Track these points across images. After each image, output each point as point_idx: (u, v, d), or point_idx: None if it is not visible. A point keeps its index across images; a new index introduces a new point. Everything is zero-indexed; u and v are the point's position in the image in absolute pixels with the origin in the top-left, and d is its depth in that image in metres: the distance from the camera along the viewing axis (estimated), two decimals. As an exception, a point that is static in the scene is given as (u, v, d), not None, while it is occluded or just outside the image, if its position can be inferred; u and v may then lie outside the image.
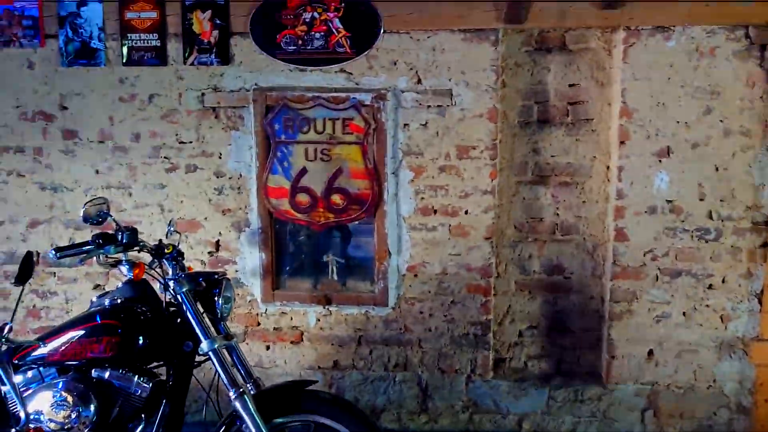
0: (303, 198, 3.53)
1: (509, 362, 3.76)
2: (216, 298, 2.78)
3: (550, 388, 3.64)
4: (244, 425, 2.64)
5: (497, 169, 3.47)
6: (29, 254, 2.29)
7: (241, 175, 3.61)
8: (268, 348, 3.76)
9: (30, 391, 2.69)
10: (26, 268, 2.27)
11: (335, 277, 3.67)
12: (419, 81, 3.43)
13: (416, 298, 3.61)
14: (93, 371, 2.69)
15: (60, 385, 2.65)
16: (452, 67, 3.40)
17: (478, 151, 3.44)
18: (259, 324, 3.74)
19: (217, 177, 3.62)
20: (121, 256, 2.68)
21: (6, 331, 2.17)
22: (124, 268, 2.69)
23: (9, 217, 3.80)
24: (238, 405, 2.61)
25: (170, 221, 3.08)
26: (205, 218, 3.67)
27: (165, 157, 3.64)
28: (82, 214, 2.60)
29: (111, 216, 2.69)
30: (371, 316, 3.65)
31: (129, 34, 3.52)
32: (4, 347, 2.15)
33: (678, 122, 3.31)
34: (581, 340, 3.69)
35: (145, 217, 3.70)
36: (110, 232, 2.68)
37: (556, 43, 3.46)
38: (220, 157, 3.61)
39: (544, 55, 3.48)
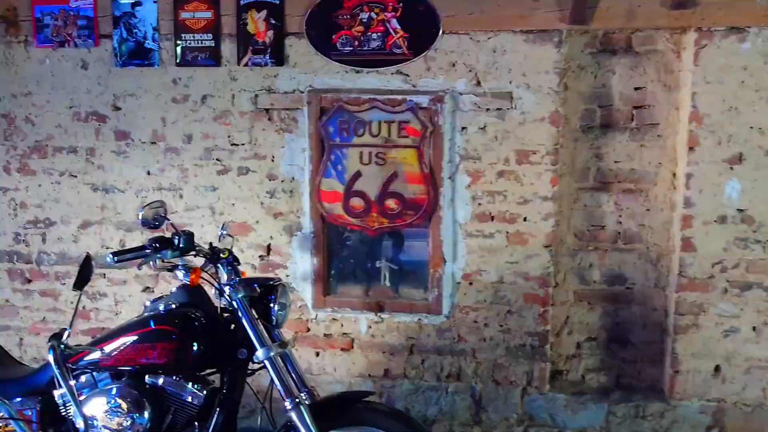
0: (357, 202, 3.45)
1: (566, 375, 3.63)
2: (272, 305, 2.71)
3: (609, 403, 3.50)
4: (299, 436, 2.56)
5: (558, 175, 3.34)
6: (88, 258, 2.24)
7: (293, 179, 3.54)
8: (317, 354, 3.68)
9: (83, 397, 2.64)
10: (85, 273, 2.22)
11: (387, 283, 3.57)
12: (478, 83, 3.33)
13: (471, 306, 3.50)
14: (146, 377, 2.63)
15: (114, 391, 2.60)
16: (513, 69, 3.29)
17: (539, 156, 3.33)
18: (308, 330, 3.67)
19: (270, 180, 3.56)
20: (177, 260, 2.62)
21: (65, 336, 2.12)
22: (180, 273, 2.64)
23: (61, 217, 3.79)
24: (293, 415, 2.54)
25: (223, 224, 3.02)
26: (257, 222, 3.61)
27: (217, 159, 3.59)
28: (140, 218, 2.56)
29: (168, 219, 2.64)
30: (424, 324, 3.55)
31: (183, 34, 3.48)
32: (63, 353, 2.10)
33: (751, 128, 3.16)
34: (642, 354, 3.55)
35: (196, 220, 3.65)
36: (166, 235, 2.64)
37: (621, 44, 3.33)
38: (272, 160, 3.55)
39: (608, 57, 3.35)
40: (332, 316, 3.62)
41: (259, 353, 2.59)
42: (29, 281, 3.89)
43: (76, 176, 3.73)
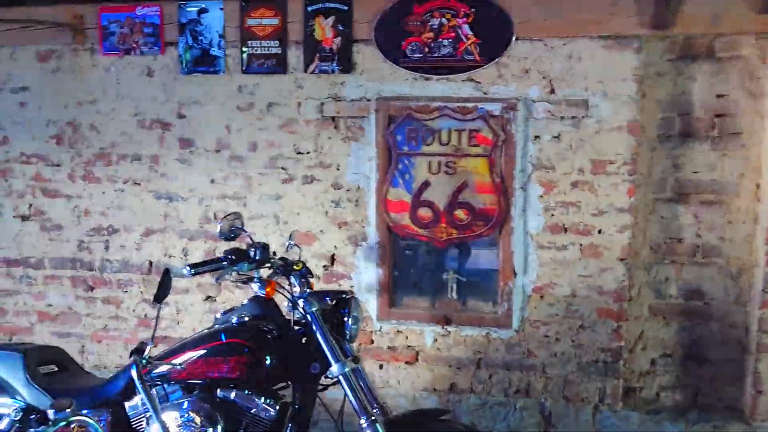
0: (425, 212, 3.37)
1: (640, 392, 3.50)
2: (346, 319, 2.64)
3: (686, 423, 3.36)
4: (377, 453, 2.49)
5: (635, 186, 3.22)
6: (167, 271, 2.20)
7: (359, 188, 3.48)
8: (381, 367, 3.61)
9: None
10: (164, 286, 2.18)
11: (454, 295, 3.48)
12: (552, 91, 3.22)
13: (542, 321, 3.39)
14: (218, 391, 2.58)
15: (186, 404, 2.55)
16: (589, 76, 3.18)
17: (616, 166, 3.21)
18: (372, 342, 3.59)
19: (335, 189, 3.50)
20: (253, 273, 2.57)
21: (147, 351, 2.08)
22: (255, 286, 2.58)
23: (124, 225, 3.78)
24: (369, 433, 2.46)
25: (290, 234, 2.97)
26: (321, 231, 3.55)
27: (282, 168, 3.54)
28: (218, 229, 2.51)
29: (245, 231, 2.58)
30: (492, 338, 3.45)
31: (249, 41, 3.44)
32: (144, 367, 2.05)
33: (844, 137, 3.00)
34: (721, 372, 3.40)
35: (260, 229, 3.60)
36: (242, 247, 2.59)
37: (702, 50, 3.20)
38: (338, 169, 3.49)
39: (688, 64, 3.23)
40: (397, 329, 3.54)
41: (334, 368, 2.52)
42: (92, 288, 3.89)
43: (139, 184, 3.72)
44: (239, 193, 3.61)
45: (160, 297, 2.14)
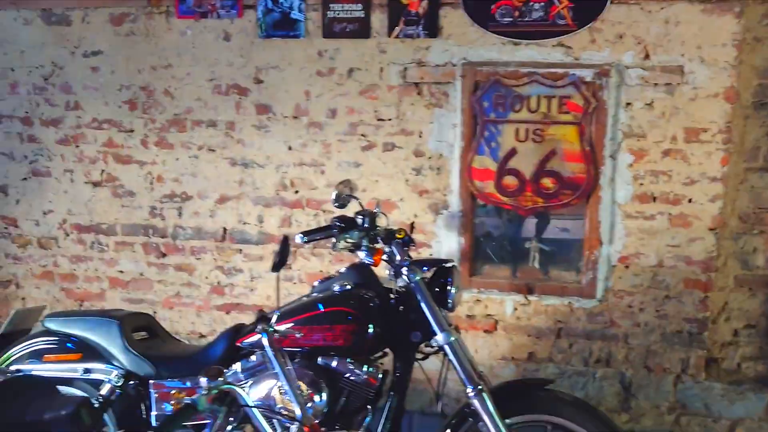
0: (510, 181, 3.32)
1: (721, 363, 3.48)
2: (449, 288, 2.62)
3: (770, 394, 3.34)
4: (480, 423, 2.49)
5: (729, 155, 3.15)
6: (286, 239, 2.17)
7: (441, 155, 3.43)
8: (458, 336, 3.58)
9: (255, 377, 2.60)
10: (283, 253, 2.15)
11: (537, 265, 3.45)
12: (647, 56, 3.15)
13: (626, 291, 3.36)
14: (319, 359, 2.57)
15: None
16: (687, 41, 3.09)
17: (710, 134, 3.14)
18: (450, 310, 3.56)
19: (416, 156, 3.45)
20: (362, 240, 2.54)
21: (274, 319, 2.05)
22: (362, 254, 2.57)
23: (198, 192, 3.75)
24: (476, 402, 2.46)
25: (377, 203, 2.93)
26: (401, 199, 3.51)
27: (362, 135, 3.49)
28: (333, 196, 2.48)
29: (357, 198, 2.55)
30: (575, 307, 3.42)
31: (331, 5, 3.37)
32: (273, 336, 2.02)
33: None
34: (806, 344, 3.37)
35: (338, 196, 3.56)
36: (348, 215, 2.56)
37: (803, 15, 3.10)
38: (420, 136, 3.43)
39: (787, 29, 3.13)
40: (476, 297, 3.51)
41: (439, 338, 2.52)
42: (164, 255, 3.88)
43: (214, 150, 3.68)
44: (317, 160, 3.56)
45: (278, 265, 2.12)
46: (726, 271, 3.37)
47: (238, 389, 1.79)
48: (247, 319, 3.74)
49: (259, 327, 1.99)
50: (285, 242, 2.13)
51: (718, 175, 3.17)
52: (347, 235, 2.49)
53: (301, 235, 2.43)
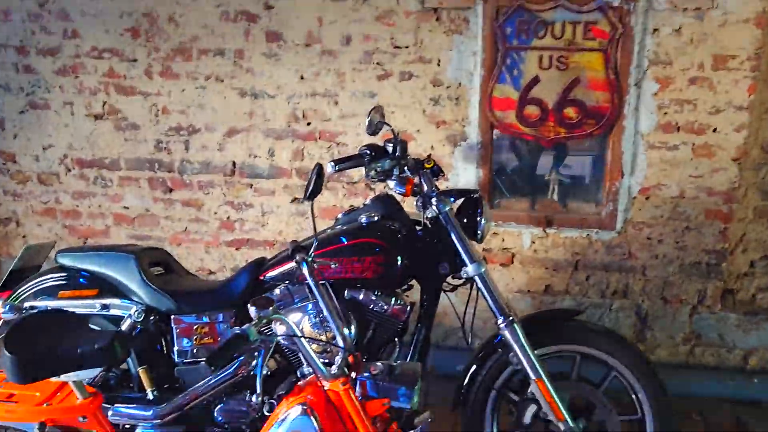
0: (532, 110, 3.24)
1: (737, 294, 3.48)
2: (478, 219, 2.57)
3: (785, 323, 3.37)
4: (510, 354, 2.47)
5: (756, 83, 3.08)
6: (320, 167, 2.07)
7: (460, 84, 3.32)
8: (474, 269, 3.55)
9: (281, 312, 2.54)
10: (316, 183, 2.06)
11: (555, 197, 3.40)
12: (677, -21, 3.03)
13: (646, 222, 3.33)
14: (345, 292, 2.51)
15: (311, 306, 2.49)
16: (718, -37, 2.98)
17: (738, 61, 3.06)
18: (467, 244, 3.52)
19: (434, 86, 3.34)
20: (393, 169, 2.46)
21: (312, 249, 1.97)
22: (392, 183, 2.48)
23: (205, 124, 3.63)
24: (507, 334, 2.43)
25: (396, 133, 2.82)
26: (418, 130, 3.41)
27: (377, 63, 3.36)
28: (366, 122, 2.38)
29: (389, 125, 2.45)
30: (593, 240, 3.39)
31: (348, -76, 3.18)
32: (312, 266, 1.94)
33: None
34: (822, 274, 3.38)
35: (351, 128, 3.47)
36: (378, 144, 2.47)
37: (838, -65, 2.98)
38: (438, 64, 3.32)
39: (821, -49, 3.02)
40: (494, 230, 3.46)
41: (470, 269, 2.47)
42: (171, 190, 3.78)
43: (222, 80, 3.54)
44: (330, 90, 3.44)
45: (311, 194, 2.03)
46: (746, 202, 3.35)
47: (288, 321, 1.73)
48: (258, 255, 3.68)
49: (298, 257, 1.91)
50: (319, 170, 2.03)
51: (744, 104, 3.11)
52: (378, 164, 2.41)
53: (332, 164, 2.34)
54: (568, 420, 2.41)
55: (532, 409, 2.49)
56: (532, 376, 2.41)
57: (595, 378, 2.56)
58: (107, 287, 2.69)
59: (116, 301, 2.68)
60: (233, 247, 3.79)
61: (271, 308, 1.66)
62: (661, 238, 3.34)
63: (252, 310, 1.66)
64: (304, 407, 1.76)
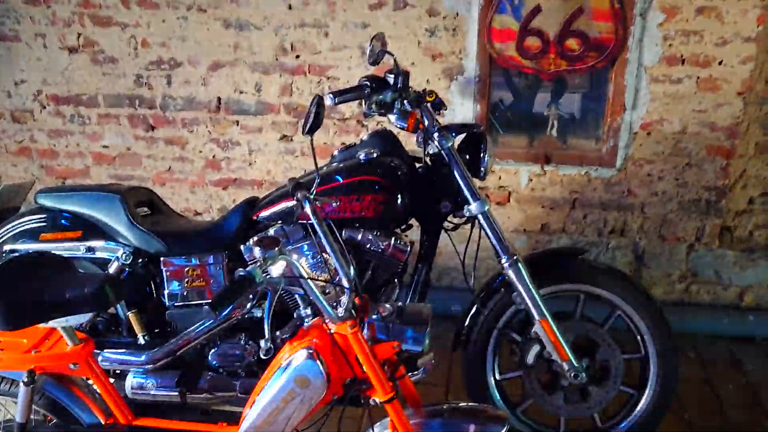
0: (533, 42, 3.10)
1: (734, 231, 3.45)
2: (482, 155, 2.47)
3: (782, 260, 3.35)
4: (514, 294, 2.40)
5: (766, 12, 2.96)
6: (320, 99, 1.93)
7: (458, 15, 3.16)
8: (469, 208, 3.46)
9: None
10: (316, 116, 1.93)
11: (555, 133, 3.29)
12: None
13: (646, 159, 3.25)
14: (343, 232, 2.41)
15: (307, 246, 2.40)
16: None
17: (748, -11, 2.93)
18: (462, 182, 3.42)
19: (430, 16, 3.18)
20: (395, 102, 2.33)
21: (315, 185, 1.84)
22: (393, 117, 2.36)
23: (188, 58, 3.44)
24: (511, 273, 2.36)
25: (398, 63, 2.66)
26: (412, 63, 3.26)
27: (370, -9, 3.19)
28: (368, 51, 2.23)
29: (392, 54, 2.31)
30: (592, 177, 3.31)
31: None
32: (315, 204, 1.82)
33: None
34: (820, 210, 3.34)
35: (343, 61, 3.31)
36: (379, 75, 2.33)
37: None
38: (434, -7, 3.15)
39: None
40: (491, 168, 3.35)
41: (473, 207, 2.38)
42: (153, 128, 3.61)
43: (205, 11, 3.34)
44: (320, 20, 3.26)
45: (312, 128, 1.90)
46: (747, 137, 3.28)
47: (294, 261, 1.63)
48: (245, 195, 3.56)
49: (299, 195, 1.80)
50: (319, 102, 1.90)
51: (752, 35, 3.00)
52: (380, 96, 2.27)
53: (331, 96, 2.20)
54: (572, 360, 2.37)
55: (535, 349, 2.44)
56: (536, 316, 2.35)
57: (597, 317, 2.51)
58: (91, 229, 2.57)
59: (102, 243, 2.56)
60: (220, 186, 3.66)
61: (277, 248, 1.55)
62: (661, 175, 3.27)
63: (256, 250, 1.56)
64: (310, 351, 1.68)
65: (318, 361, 1.67)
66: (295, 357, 1.70)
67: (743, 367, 3.17)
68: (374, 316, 1.72)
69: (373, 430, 1.80)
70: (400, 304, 1.75)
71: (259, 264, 1.54)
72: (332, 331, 1.72)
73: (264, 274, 1.52)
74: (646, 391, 2.49)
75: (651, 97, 3.14)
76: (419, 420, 1.78)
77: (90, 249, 2.56)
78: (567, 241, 3.45)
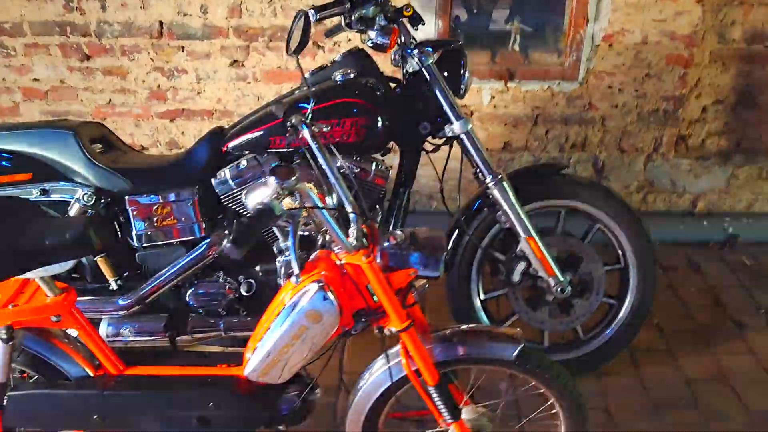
0: (495, -48, 2.98)
1: (688, 139, 3.52)
2: (462, 72, 2.40)
3: (733, 166, 3.46)
4: (498, 213, 2.39)
5: None
6: (305, 15, 1.78)
7: None
8: (431, 129, 3.39)
9: (247, 185, 2.32)
10: (303, 32, 1.79)
11: (517, 48, 3.23)
12: None
13: (607, 71, 3.25)
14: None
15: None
16: None
17: None
18: (423, 103, 3.33)
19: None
20: (378, 17, 2.20)
21: (310, 108, 1.71)
22: (373, 33, 2.24)
23: (123, -23, 3.15)
24: (495, 192, 2.34)
25: None
26: (369, -22, 3.08)
27: None
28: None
29: (372, -38, 2.15)
30: (555, 92, 3.29)
31: None
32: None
33: None
34: (768, 116, 3.45)
35: (294, -22, 3.10)
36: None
37: None
38: None
39: None
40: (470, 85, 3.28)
41: (456, 126, 2.33)
42: (88, 58, 3.33)
43: (139, -77, 3.04)
44: (268, -68, 3.03)
45: (298, 48, 1.76)
46: (703, 46, 3.30)
47: (310, 190, 1.52)
48: (195, 126, 3.39)
49: (294, 119, 1.67)
50: (306, 18, 1.76)
51: (712, -61, 2.98)
52: (362, 10, 2.14)
53: (313, 11, 2.04)
54: (558, 275, 2.39)
55: (521, 266, 2.45)
56: (522, 234, 2.35)
57: (575, 232, 2.53)
58: (42, 170, 2.37)
59: (58, 184, 2.37)
60: (166, 118, 3.44)
61: (294, 178, 1.45)
62: (621, 87, 3.28)
63: (272, 180, 1.44)
64: (321, 284, 1.61)
65: (330, 294, 1.60)
66: (307, 290, 1.62)
67: (700, 269, 3.29)
68: (386, 244, 1.65)
69: (387, 357, 1.76)
70: (411, 230, 1.68)
71: (276, 195, 1.44)
72: (343, 262, 1.65)
73: (281, 206, 1.42)
74: (626, 301, 2.55)
75: (613, 7, 3.10)
76: (431, 346, 1.75)
77: (44, 192, 2.37)
78: (529, 158, 3.45)
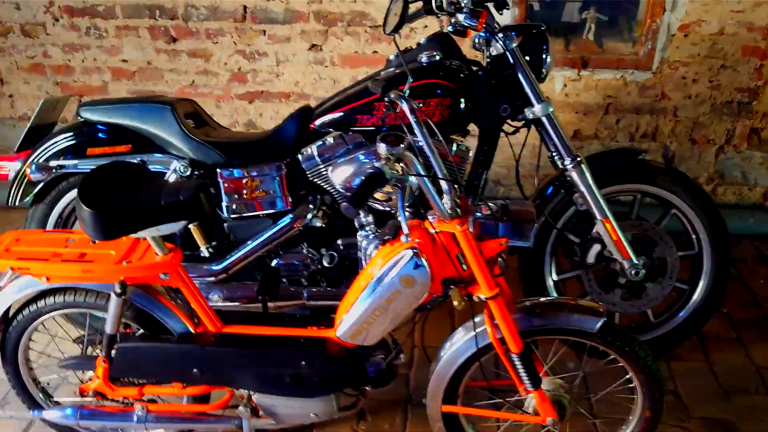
0: (574, -59, 3.02)
1: (761, 133, 3.50)
2: (544, 56, 2.44)
3: (808, 158, 3.43)
4: (575, 195, 2.44)
5: None
6: (404, -1, 1.86)
7: None
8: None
9: (332, 161, 2.42)
10: (404, 11, 1.86)
11: (591, 37, 3.26)
12: None
13: (682, 61, 3.25)
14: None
15: (364, 156, 2.37)
16: None
17: None
18: (495, 90, 3.39)
19: None
20: (466, 1, 2.27)
21: (408, 85, 1.78)
22: (462, 17, 2.30)
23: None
24: (574, 174, 2.38)
25: None
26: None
27: None
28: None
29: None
30: (628, 81, 3.31)
31: None
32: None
33: None
34: None
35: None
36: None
37: None
38: None
39: None
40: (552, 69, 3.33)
41: (537, 109, 2.37)
42: (175, 40, 3.48)
43: None
44: None
45: (397, 26, 1.85)
46: (781, 38, 3.28)
47: (414, 159, 1.61)
48: (272, 108, 3.50)
49: (393, 94, 1.76)
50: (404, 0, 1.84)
51: (796, -69, 2.96)
52: (452, -9, 2.22)
53: (403, -7, 2.11)
54: (633, 257, 2.42)
55: (596, 248, 2.49)
56: (598, 216, 2.38)
57: (651, 217, 2.57)
58: (141, 142, 2.52)
59: (155, 156, 2.51)
60: (245, 100, 3.57)
61: (402, 145, 1.54)
62: (695, 78, 3.28)
63: (382, 147, 1.54)
64: (415, 251, 1.69)
65: (423, 260, 1.69)
66: (400, 258, 1.71)
67: (771, 261, 3.29)
68: (478, 214, 1.73)
69: (474, 324, 1.84)
70: (502, 201, 1.76)
71: (386, 161, 1.53)
72: (436, 231, 1.73)
73: (391, 171, 1.52)
74: (699, 286, 2.57)
75: (690, -2, 3.11)
76: (516, 315, 1.82)
77: (142, 163, 2.51)
78: (599, 146, 3.48)
